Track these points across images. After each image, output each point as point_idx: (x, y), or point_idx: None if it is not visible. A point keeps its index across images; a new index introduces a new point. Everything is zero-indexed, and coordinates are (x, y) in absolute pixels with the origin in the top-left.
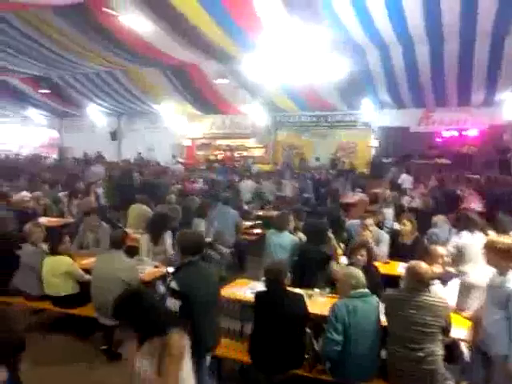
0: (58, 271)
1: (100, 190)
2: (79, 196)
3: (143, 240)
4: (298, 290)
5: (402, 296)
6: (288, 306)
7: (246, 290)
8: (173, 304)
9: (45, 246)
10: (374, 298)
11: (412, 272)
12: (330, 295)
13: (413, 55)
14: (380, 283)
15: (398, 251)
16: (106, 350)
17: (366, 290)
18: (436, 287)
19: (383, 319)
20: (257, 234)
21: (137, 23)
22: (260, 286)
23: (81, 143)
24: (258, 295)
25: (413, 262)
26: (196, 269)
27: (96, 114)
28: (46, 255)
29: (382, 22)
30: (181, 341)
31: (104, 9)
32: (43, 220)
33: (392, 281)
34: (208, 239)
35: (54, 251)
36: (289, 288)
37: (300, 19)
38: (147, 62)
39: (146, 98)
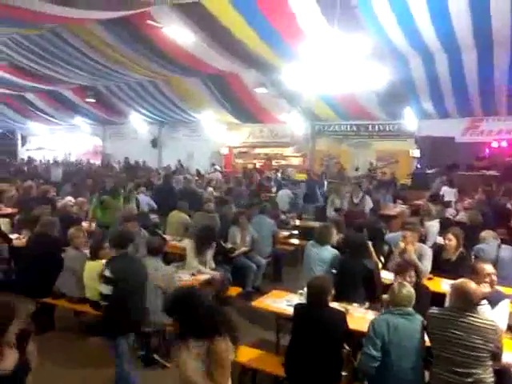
0: (97, 275)
1: (141, 197)
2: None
3: (189, 247)
4: (335, 304)
5: (448, 316)
6: (328, 323)
7: (282, 301)
8: (104, 288)
9: (86, 251)
10: (419, 317)
11: (459, 291)
12: (369, 310)
13: (459, 63)
14: (428, 304)
15: (441, 267)
16: (142, 355)
17: (410, 309)
18: (484, 308)
19: (428, 339)
20: (293, 244)
21: (179, 34)
22: (297, 299)
23: (123, 150)
24: (298, 308)
25: (460, 280)
26: (126, 260)
27: (138, 123)
28: (86, 259)
29: (425, 28)
30: (227, 350)
31: (148, 21)
32: (85, 225)
33: (435, 298)
34: (244, 248)
35: (94, 256)
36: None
37: (340, 28)
38: (188, 71)
39: (187, 107)
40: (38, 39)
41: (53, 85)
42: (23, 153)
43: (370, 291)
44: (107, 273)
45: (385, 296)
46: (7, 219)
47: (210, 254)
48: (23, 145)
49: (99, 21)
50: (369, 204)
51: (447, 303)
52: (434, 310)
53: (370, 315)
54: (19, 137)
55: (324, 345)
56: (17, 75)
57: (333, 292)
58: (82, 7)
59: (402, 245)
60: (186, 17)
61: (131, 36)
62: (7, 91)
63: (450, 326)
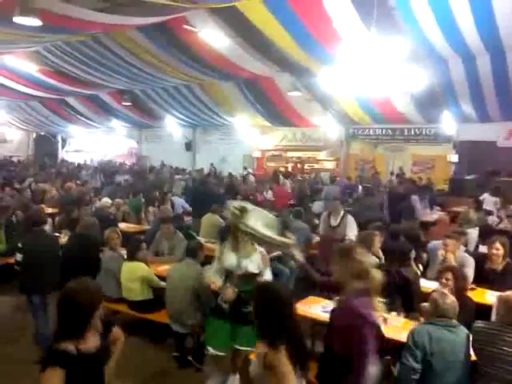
0: (134, 277)
1: (176, 199)
2: (156, 204)
3: (216, 251)
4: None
5: (496, 331)
6: None
7: (318, 308)
8: (18, 256)
9: (123, 252)
10: (464, 330)
11: (508, 304)
12: (408, 320)
13: (503, 64)
14: (473, 316)
15: (485, 278)
16: (177, 356)
17: (454, 321)
18: None
19: (473, 354)
20: None
21: (215, 38)
22: (333, 306)
23: (157, 153)
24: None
25: (509, 293)
26: (37, 235)
27: (173, 126)
28: (123, 260)
29: (467, 29)
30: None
31: (185, 26)
32: (122, 226)
33: (479, 310)
34: (278, 253)
35: (131, 257)
36: None
37: (378, 31)
38: (223, 75)
39: (220, 111)
40: (80, 45)
41: (92, 89)
42: (63, 154)
43: (407, 301)
44: (19, 244)
45: (425, 305)
46: (48, 219)
47: None
48: (63, 147)
49: (138, 27)
50: (351, 227)
51: (493, 316)
52: (480, 323)
53: (409, 325)
54: (60, 139)
55: None
56: (60, 80)
57: None
58: (123, 14)
59: (442, 253)
60: (221, 21)
61: (168, 41)
62: (50, 95)
63: (498, 341)
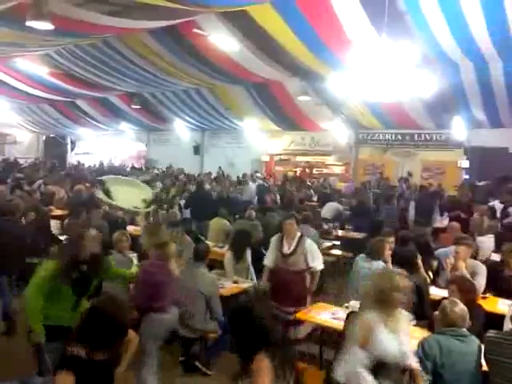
0: None
1: (183, 203)
2: (164, 207)
3: (227, 259)
4: None
5: (508, 340)
6: None
7: (326, 314)
8: None
9: (131, 255)
10: (475, 340)
11: None
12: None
13: None
14: (482, 325)
15: (500, 286)
16: (183, 361)
17: (464, 330)
18: None
19: (485, 364)
20: (335, 255)
21: (225, 42)
22: (342, 312)
23: (166, 156)
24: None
25: None
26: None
27: (181, 129)
28: (131, 263)
29: (480, 34)
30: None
31: (195, 30)
32: (130, 229)
33: (490, 319)
34: None
35: (142, 260)
36: None
37: (389, 36)
38: (233, 79)
39: (229, 114)
40: (91, 48)
41: (102, 92)
42: (72, 157)
43: (416, 308)
44: None
45: (436, 313)
46: (57, 221)
47: (249, 259)
48: (72, 149)
49: (148, 30)
50: (313, 254)
51: (506, 325)
52: (492, 333)
53: (417, 333)
54: (69, 141)
55: None
56: (70, 83)
57: None
58: (134, 17)
59: (451, 260)
60: (232, 25)
61: (178, 44)
62: (61, 98)
63: (510, 351)
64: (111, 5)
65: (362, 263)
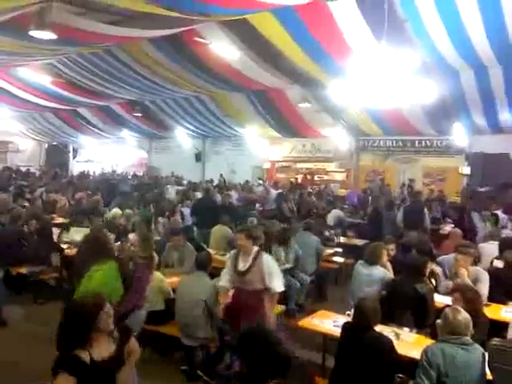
0: (157, 288)
1: (186, 210)
2: (166, 215)
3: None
4: (384, 327)
5: None
6: (376, 348)
7: (328, 322)
8: None
9: None
10: (479, 348)
11: None
12: (421, 336)
13: None
14: (486, 332)
15: (503, 293)
16: (185, 370)
17: (468, 338)
18: None
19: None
20: (337, 262)
21: (226, 51)
22: (344, 320)
23: (167, 164)
24: (346, 328)
25: None
26: None
27: (183, 137)
28: None
29: (479, 40)
30: None
31: (196, 38)
32: (131, 237)
33: (493, 326)
34: (288, 265)
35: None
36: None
37: (388, 43)
38: (234, 87)
39: (231, 122)
40: (92, 57)
41: (103, 100)
42: (74, 165)
43: (420, 317)
44: None
45: (438, 321)
46: (59, 229)
47: None
48: (74, 157)
49: (150, 39)
50: (271, 272)
51: (510, 333)
52: (496, 341)
53: (421, 341)
54: (71, 149)
55: (371, 370)
56: (72, 91)
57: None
58: (136, 26)
59: (451, 268)
60: (233, 34)
61: (179, 53)
62: (63, 106)
63: None
64: (113, 14)
65: (362, 269)
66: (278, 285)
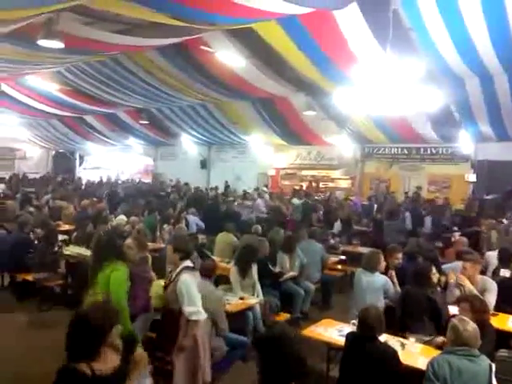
0: (154, 293)
1: (190, 218)
2: (171, 222)
3: (232, 274)
4: (390, 338)
5: None
6: (380, 357)
7: (333, 331)
8: None
9: None
10: (486, 360)
11: None
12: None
13: None
14: (493, 343)
15: (509, 302)
16: None
17: (475, 350)
18: None
19: None
20: (342, 270)
21: (231, 59)
22: (349, 329)
23: (173, 171)
24: (350, 338)
25: None
26: None
27: (188, 144)
28: None
29: (484, 48)
30: None
31: (202, 46)
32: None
33: (499, 336)
34: (293, 273)
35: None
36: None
37: (393, 52)
38: (239, 95)
39: (236, 129)
40: (99, 66)
41: (110, 108)
42: (81, 172)
43: (435, 323)
44: None
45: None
46: (65, 236)
47: (255, 274)
48: (81, 164)
49: (157, 47)
50: (189, 293)
51: None
52: (504, 352)
53: (427, 351)
54: (77, 156)
55: (376, 381)
56: (79, 99)
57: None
58: (142, 35)
59: (452, 276)
60: (238, 42)
61: (185, 61)
62: (70, 114)
63: None
64: (120, 23)
65: (363, 276)
66: (191, 312)
